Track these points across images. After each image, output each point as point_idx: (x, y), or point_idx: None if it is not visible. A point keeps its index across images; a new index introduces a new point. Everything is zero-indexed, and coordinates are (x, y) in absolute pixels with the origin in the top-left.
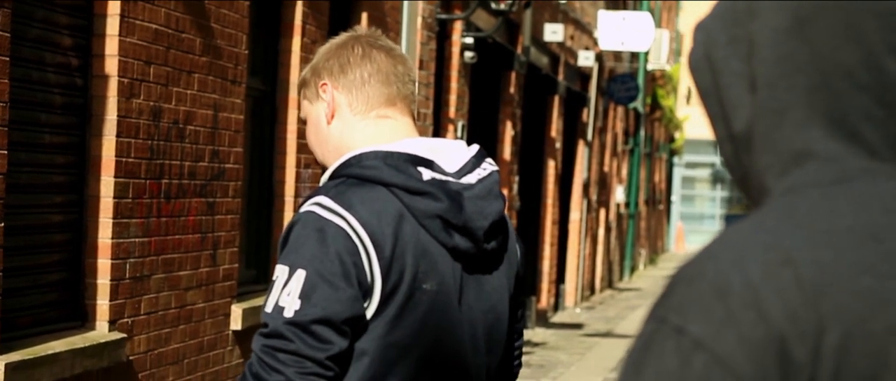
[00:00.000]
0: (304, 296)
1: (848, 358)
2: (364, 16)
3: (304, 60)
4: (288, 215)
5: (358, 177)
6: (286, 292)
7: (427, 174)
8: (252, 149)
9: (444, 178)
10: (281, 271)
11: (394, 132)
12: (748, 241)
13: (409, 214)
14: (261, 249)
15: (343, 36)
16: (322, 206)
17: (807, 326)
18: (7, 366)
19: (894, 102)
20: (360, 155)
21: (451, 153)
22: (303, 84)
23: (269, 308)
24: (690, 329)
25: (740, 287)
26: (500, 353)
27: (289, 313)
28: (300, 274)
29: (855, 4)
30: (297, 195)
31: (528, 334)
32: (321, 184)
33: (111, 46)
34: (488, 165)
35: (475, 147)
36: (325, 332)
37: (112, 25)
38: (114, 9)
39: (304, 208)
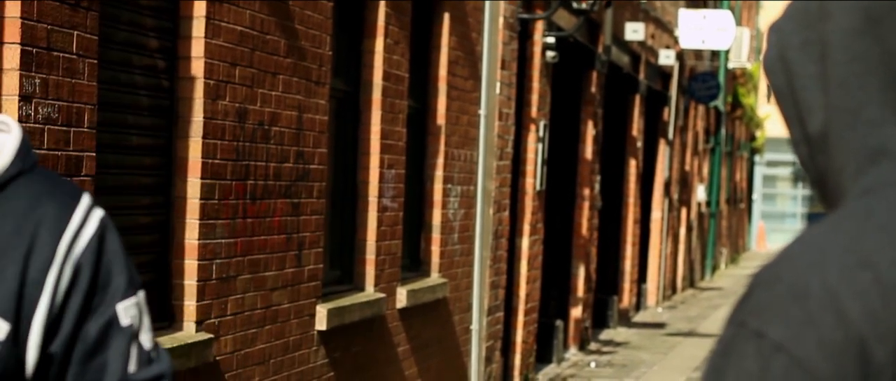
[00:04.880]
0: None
1: None
2: (446, 16)
3: (387, 61)
4: (372, 216)
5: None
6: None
7: None
8: (336, 150)
9: None
10: (139, 299)
11: None
12: (826, 243)
13: None
14: (345, 249)
15: None
16: (92, 202)
17: (887, 327)
18: None
19: None
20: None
21: None
22: None
23: (150, 344)
24: (770, 333)
25: (819, 290)
26: None
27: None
28: (141, 294)
29: None
30: (380, 196)
31: (611, 333)
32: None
33: (197, 48)
34: None
35: None
36: None
37: (198, 27)
38: (199, 11)
39: (95, 215)
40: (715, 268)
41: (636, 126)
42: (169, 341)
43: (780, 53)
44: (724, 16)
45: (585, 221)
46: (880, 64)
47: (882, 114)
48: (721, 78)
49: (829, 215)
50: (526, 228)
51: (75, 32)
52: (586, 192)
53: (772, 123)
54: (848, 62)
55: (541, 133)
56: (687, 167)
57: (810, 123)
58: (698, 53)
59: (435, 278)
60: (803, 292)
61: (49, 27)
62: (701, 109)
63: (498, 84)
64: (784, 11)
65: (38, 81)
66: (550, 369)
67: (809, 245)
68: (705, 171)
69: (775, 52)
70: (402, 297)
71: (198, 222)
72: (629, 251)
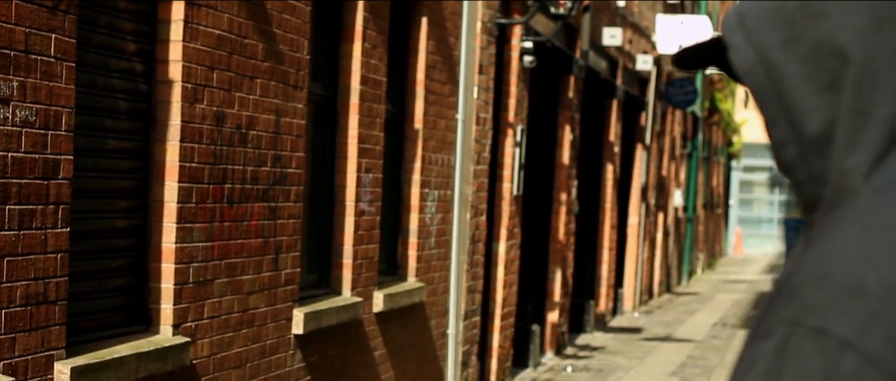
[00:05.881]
0: None
1: None
2: (424, 21)
3: (365, 65)
4: (349, 220)
5: None
6: None
7: None
8: (313, 154)
9: None
10: None
11: None
12: (871, 239)
13: None
14: (322, 253)
15: None
16: None
17: None
18: (73, 370)
19: None
20: None
21: None
22: None
23: None
24: (834, 330)
25: (877, 285)
26: None
27: None
28: None
29: None
30: (357, 200)
31: (587, 338)
32: None
33: (175, 52)
34: None
35: None
36: None
37: (176, 31)
38: (177, 14)
39: None
40: (692, 273)
41: (613, 131)
42: (146, 344)
43: (758, 55)
44: (701, 21)
45: (562, 226)
46: (889, 63)
47: (891, 114)
48: (698, 83)
49: (853, 213)
50: (503, 232)
51: (53, 35)
52: (563, 197)
53: (749, 128)
54: (858, 62)
55: (518, 138)
56: (664, 172)
57: (808, 124)
58: None
59: (412, 282)
60: (861, 288)
61: (27, 30)
62: (678, 114)
63: (475, 88)
64: (749, 11)
65: (15, 83)
66: (527, 373)
67: (856, 242)
68: (682, 176)
69: (753, 54)
70: (378, 301)
71: (175, 225)
72: (606, 256)
